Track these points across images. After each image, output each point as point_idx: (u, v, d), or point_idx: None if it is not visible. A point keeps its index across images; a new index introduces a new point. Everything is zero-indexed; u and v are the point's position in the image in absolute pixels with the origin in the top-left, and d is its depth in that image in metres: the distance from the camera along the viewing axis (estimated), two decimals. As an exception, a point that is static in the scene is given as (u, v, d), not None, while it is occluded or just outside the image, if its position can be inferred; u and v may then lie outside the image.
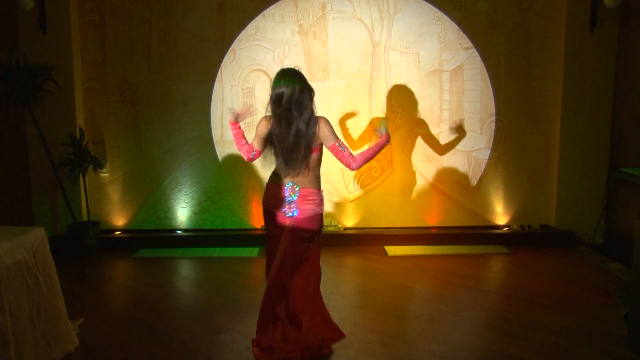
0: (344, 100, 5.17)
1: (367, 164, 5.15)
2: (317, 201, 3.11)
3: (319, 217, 3.15)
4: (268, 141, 3.08)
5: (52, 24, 4.90)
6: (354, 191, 5.29)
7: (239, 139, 3.19)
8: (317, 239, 3.15)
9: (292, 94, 2.92)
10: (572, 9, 4.99)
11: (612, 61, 5.04)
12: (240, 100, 5.17)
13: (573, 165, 5.17)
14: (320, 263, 3.21)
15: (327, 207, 5.17)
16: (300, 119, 2.95)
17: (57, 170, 4.80)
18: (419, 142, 5.22)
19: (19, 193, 4.99)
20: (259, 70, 5.11)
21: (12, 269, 2.64)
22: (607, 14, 4.95)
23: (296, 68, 3.04)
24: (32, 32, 4.89)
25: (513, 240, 5.20)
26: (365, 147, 3.30)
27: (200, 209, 5.29)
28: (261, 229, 5.29)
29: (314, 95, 3.02)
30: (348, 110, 5.16)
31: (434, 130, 5.21)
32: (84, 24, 5.07)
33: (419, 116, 5.18)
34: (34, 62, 4.63)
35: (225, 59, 5.12)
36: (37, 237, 2.89)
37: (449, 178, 5.28)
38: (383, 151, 5.19)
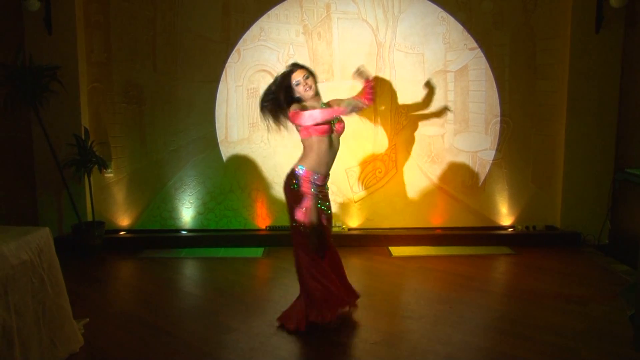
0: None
1: (371, 165, 5.20)
2: (288, 173, 3.44)
3: (288, 189, 3.43)
4: None
5: (58, 25, 4.92)
6: (358, 192, 5.28)
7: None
8: (294, 220, 3.44)
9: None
10: (578, 9, 4.97)
11: (618, 61, 5.02)
12: (244, 100, 5.18)
13: (578, 166, 5.15)
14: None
15: (331, 208, 5.15)
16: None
17: (62, 171, 4.81)
18: (423, 142, 5.21)
19: (25, 193, 5.01)
20: (264, 70, 5.12)
21: (17, 269, 2.65)
22: (612, 14, 4.93)
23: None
24: (38, 32, 4.90)
25: (518, 241, 5.18)
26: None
27: (205, 210, 5.30)
28: (266, 229, 5.30)
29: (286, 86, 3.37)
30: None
31: (438, 131, 5.20)
32: (89, 25, 5.08)
33: (423, 117, 5.18)
34: (40, 63, 4.66)
35: (230, 60, 5.13)
36: (43, 237, 2.90)
37: (453, 179, 5.27)
38: (387, 151, 5.21)
